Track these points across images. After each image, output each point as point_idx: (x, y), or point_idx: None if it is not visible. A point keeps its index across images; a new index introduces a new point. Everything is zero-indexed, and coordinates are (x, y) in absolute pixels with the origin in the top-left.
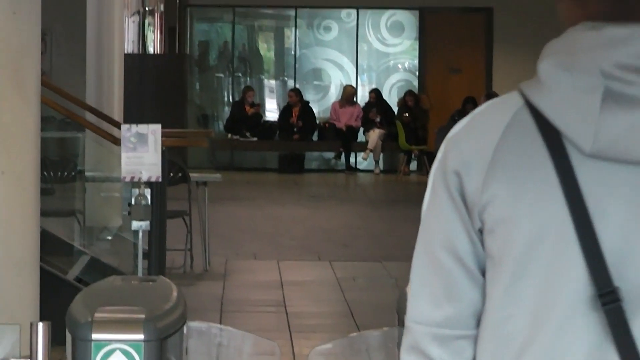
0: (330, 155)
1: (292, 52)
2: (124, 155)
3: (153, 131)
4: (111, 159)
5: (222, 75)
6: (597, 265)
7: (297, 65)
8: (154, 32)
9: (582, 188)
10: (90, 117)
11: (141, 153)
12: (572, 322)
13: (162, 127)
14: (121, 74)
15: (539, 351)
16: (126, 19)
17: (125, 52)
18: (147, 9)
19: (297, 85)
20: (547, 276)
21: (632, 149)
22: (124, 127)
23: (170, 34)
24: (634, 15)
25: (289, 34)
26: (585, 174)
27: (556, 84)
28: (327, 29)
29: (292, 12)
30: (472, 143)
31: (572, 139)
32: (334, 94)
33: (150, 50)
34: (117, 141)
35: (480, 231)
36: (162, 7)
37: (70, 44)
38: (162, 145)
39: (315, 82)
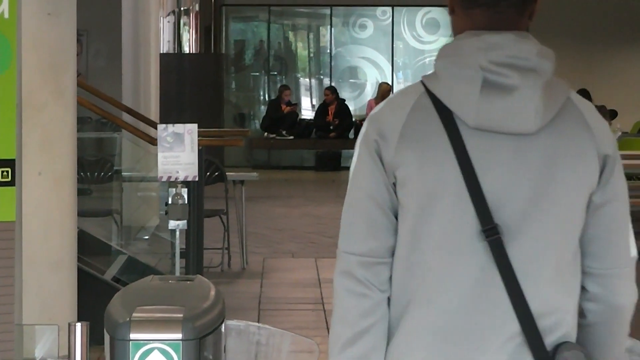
0: None
1: (328, 51)
2: (160, 155)
3: (189, 131)
4: (148, 159)
5: (258, 74)
6: (481, 208)
7: (332, 64)
8: (189, 31)
9: (470, 152)
10: (126, 117)
11: (178, 153)
12: (467, 250)
13: (199, 127)
14: (157, 74)
15: (441, 271)
16: (162, 19)
17: (161, 52)
18: (182, 8)
19: (333, 84)
20: (449, 217)
21: (505, 123)
22: (161, 127)
23: (205, 33)
24: (506, 25)
25: (325, 33)
26: (472, 141)
27: (447, 76)
28: (363, 26)
29: (327, 11)
30: (387, 119)
31: (460, 116)
32: (369, 92)
33: (186, 50)
34: (153, 141)
35: (394, 185)
36: (197, 7)
37: (106, 45)
38: (199, 144)
39: (351, 80)
